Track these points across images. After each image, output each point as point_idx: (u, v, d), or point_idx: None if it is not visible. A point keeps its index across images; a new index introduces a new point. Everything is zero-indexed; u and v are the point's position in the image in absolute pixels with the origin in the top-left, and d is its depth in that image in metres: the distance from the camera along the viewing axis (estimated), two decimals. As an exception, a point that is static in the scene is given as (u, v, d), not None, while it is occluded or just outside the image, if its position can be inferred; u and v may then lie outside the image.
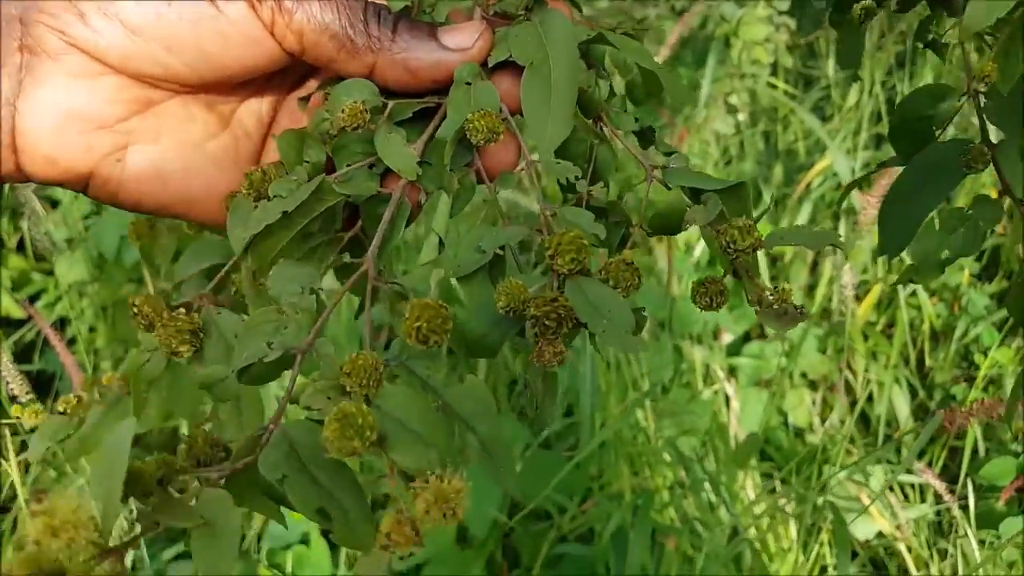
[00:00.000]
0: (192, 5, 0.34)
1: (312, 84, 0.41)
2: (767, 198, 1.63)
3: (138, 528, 0.29)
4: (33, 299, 1.83)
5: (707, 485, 1.18)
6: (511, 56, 0.37)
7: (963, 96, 0.42)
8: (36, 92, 0.33)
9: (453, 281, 0.35)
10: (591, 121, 0.40)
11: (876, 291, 1.57)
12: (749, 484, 1.35)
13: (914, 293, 1.63)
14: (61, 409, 0.52)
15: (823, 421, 1.58)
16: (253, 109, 0.40)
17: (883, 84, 1.94)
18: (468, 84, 0.37)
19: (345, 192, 0.37)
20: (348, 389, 0.30)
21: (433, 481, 0.28)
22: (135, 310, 0.39)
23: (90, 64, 0.34)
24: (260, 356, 0.32)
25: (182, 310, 0.39)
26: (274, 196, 0.36)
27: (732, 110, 1.53)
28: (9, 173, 0.34)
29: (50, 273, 1.83)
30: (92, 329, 1.78)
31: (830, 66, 1.97)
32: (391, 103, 0.37)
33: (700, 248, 1.60)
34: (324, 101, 0.38)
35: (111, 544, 0.27)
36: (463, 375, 0.34)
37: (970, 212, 0.44)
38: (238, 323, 0.40)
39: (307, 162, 0.38)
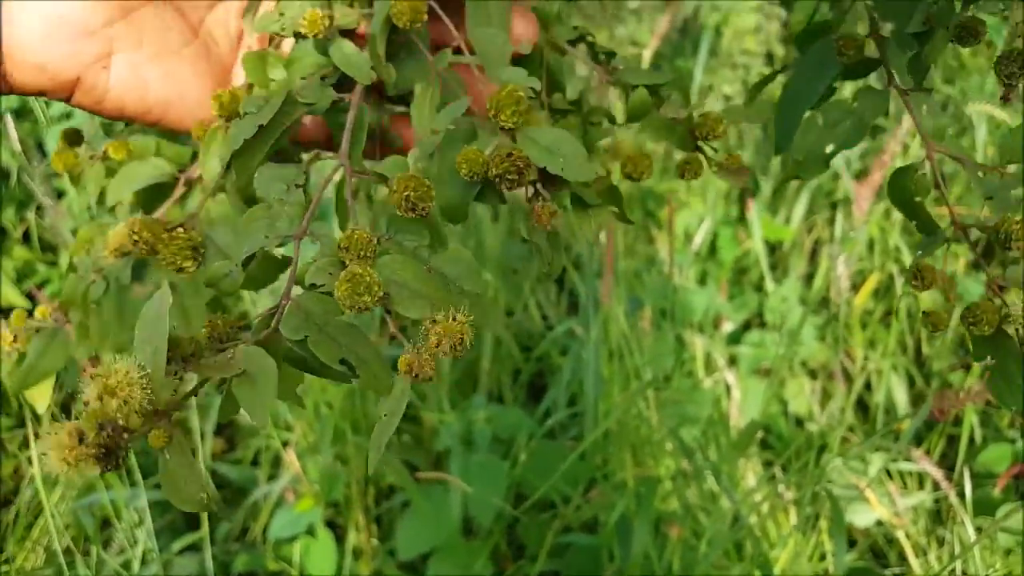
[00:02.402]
0: None
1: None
2: (766, 188, 1.64)
3: (187, 387, 0.31)
4: (40, 287, 1.83)
5: (709, 474, 1.20)
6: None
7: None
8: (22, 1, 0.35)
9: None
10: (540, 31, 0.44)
11: (873, 280, 1.59)
12: (750, 472, 1.37)
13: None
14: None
15: (823, 409, 1.60)
16: (220, 19, 0.43)
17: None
18: None
19: (308, 101, 0.40)
20: (347, 262, 0.33)
21: (440, 319, 0.32)
22: (135, 236, 0.41)
23: None
24: (261, 246, 0.35)
25: (180, 229, 0.41)
26: (246, 113, 0.39)
27: (726, 99, 1.54)
28: (1, 85, 0.36)
29: (54, 264, 1.84)
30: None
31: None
32: (337, 14, 0.40)
33: (700, 238, 1.61)
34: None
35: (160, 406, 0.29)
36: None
37: (855, 104, 0.45)
38: (230, 235, 0.42)
39: (273, 80, 0.41)
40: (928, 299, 0.43)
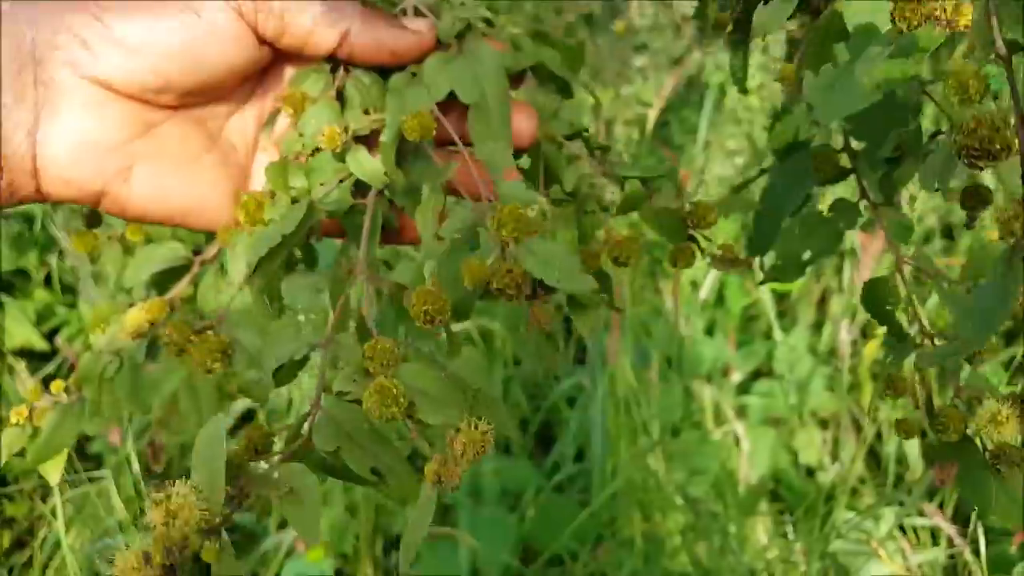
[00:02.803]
0: (176, 14, 0.39)
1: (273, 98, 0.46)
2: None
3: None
4: (55, 331, 1.86)
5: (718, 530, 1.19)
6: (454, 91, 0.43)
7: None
8: (52, 123, 0.38)
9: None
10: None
11: (882, 330, 1.58)
12: (760, 526, 1.36)
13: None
14: (14, 420, 0.53)
15: (834, 460, 1.58)
16: (237, 127, 0.45)
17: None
18: (401, 91, 0.43)
19: (328, 208, 0.42)
20: (371, 371, 0.35)
21: (463, 428, 0.33)
22: (166, 339, 0.43)
23: (98, 92, 0.38)
24: (291, 356, 0.38)
25: (209, 332, 0.43)
26: (269, 221, 0.41)
27: (731, 155, 1.56)
28: (30, 195, 0.39)
29: (73, 306, 1.87)
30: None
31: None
32: (351, 124, 0.43)
33: (707, 287, 1.61)
34: (288, 120, 0.44)
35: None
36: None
37: (829, 215, 0.46)
38: (255, 336, 0.44)
39: (294, 188, 0.43)
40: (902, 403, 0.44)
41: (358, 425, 0.35)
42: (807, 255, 0.45)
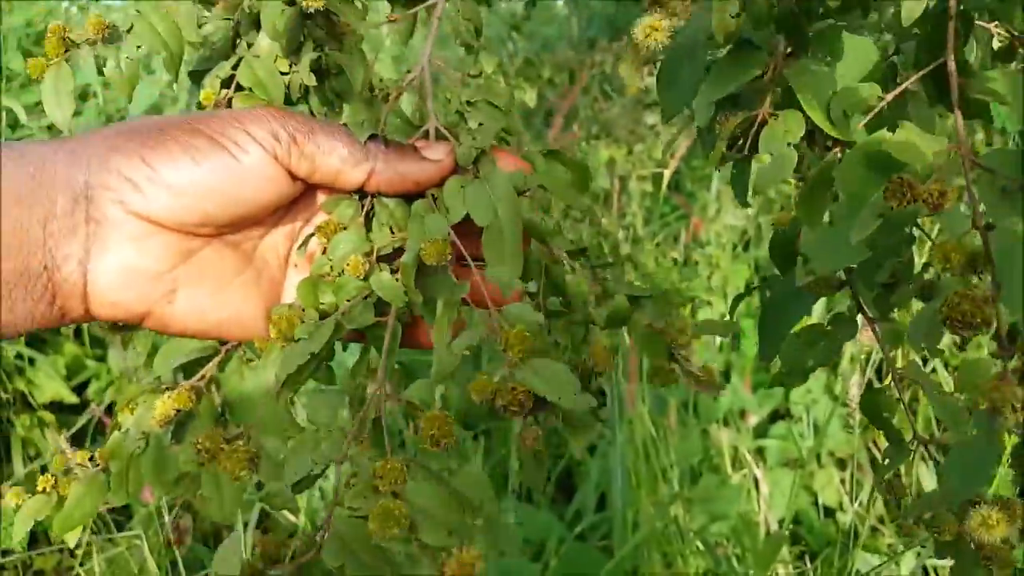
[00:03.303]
0: (217, 159, 0.42)
1: (312, 226, 0.50)
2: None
3: None
4: (85, 384, 1.91)
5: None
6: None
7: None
8: (102, 255, 0.41)
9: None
10: (542, 245, 0.50)
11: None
12: (781, 570, 1.38)
13: (934, 370, 1.65)
14: (40, 488, 0.56)
15: (853, 500, 1.60)
16: (271, 245, 0.48)
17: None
18: (422, 216, 0.47)
19: (352, 326, 0.46)
20: (380, 489, 0.39)
21: (455, 553, 0.37)
22: (197, 446, 0.46)
23: (143, 227, 0.42)
24: (309, 470, 0.41)
25: (239, 442, 0.46)
26: (299, 339, 0.45)
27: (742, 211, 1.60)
28: (79, 316, 0.43)
29: (103, 359, 1.92)
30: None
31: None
32: (377, 243, 0.47)
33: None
34: (318, 243, 0.48)
35: None
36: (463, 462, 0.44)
37: (828, 328, 0.50)
38: (279, 445, 0.48)
39: (322, 304, 0.47)
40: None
41: (364, 543, 0.39)
42: (810, 363, 0.48)
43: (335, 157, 0.44)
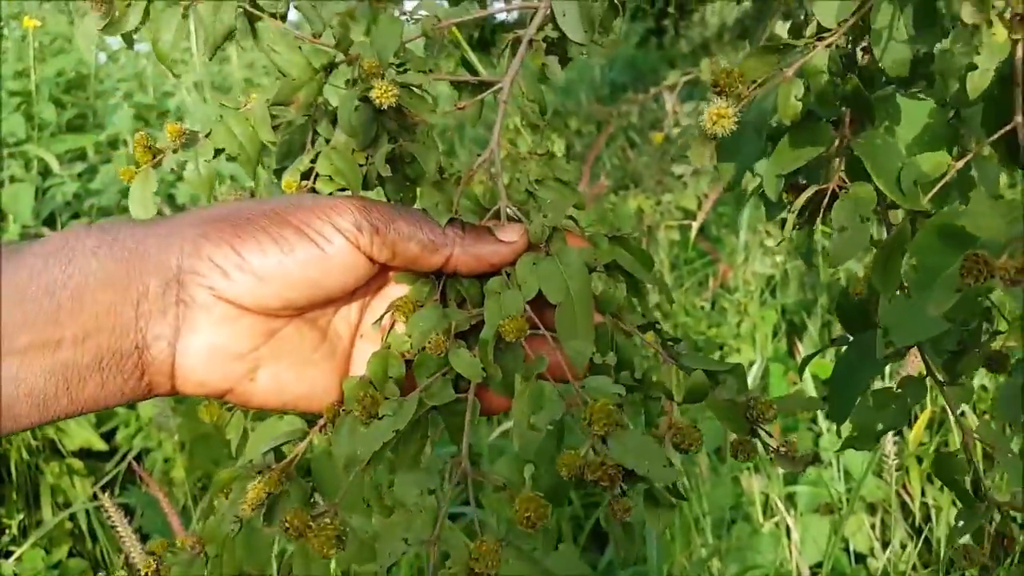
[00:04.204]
0: (303, 250, 0.44)
1: (381, 299, 0.51)
2: (812, 328, 1.68)
3: None
4: (114, 431, 1.92)
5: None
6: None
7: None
8: (190, 336, 0.43)
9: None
10: (610, 317, 0.51)
11: (926, 415, 1.60)
12: (816, 620, 1.36)
13: (963, 413, 1.65)
14: (143, 573, 0.58)
15: (885, 546, 1.59)
16: (343, 316, 0.50)
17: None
18: (498, 293, 0.48)
19: (432, 403, 0.47)
20: (476, 571, 0.39)
21: None
22: (286, 524, 0.47)
23: (230, 310, 0.43)
24: (401, 552, 0.42)
25: (326, 519, 0.47)
26: (383, 416, 0.46)
27: (769, 252, 1.61)
28: (166, 392, 0.44)
29: (132, 406, 1.93)
30: (167, 460, 1.86)
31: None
32: (453, 322, 0.48)
33: (751, 377, 1.64)
34: (393, 321, 0.49)
35: None
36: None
37: (899, 391, 0.51)
38: (365, 522, 0.48)
39: (391, 378, 0.48)
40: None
41: None
42: (880, 427, 0.49)
43: (415, 243, 0.46)
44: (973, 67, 0.36)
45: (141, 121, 2.44)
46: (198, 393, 0.45)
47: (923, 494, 1.62)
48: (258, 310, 0.44)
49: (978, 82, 0.38)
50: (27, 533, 1.70)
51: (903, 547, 1.56)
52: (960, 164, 0.42)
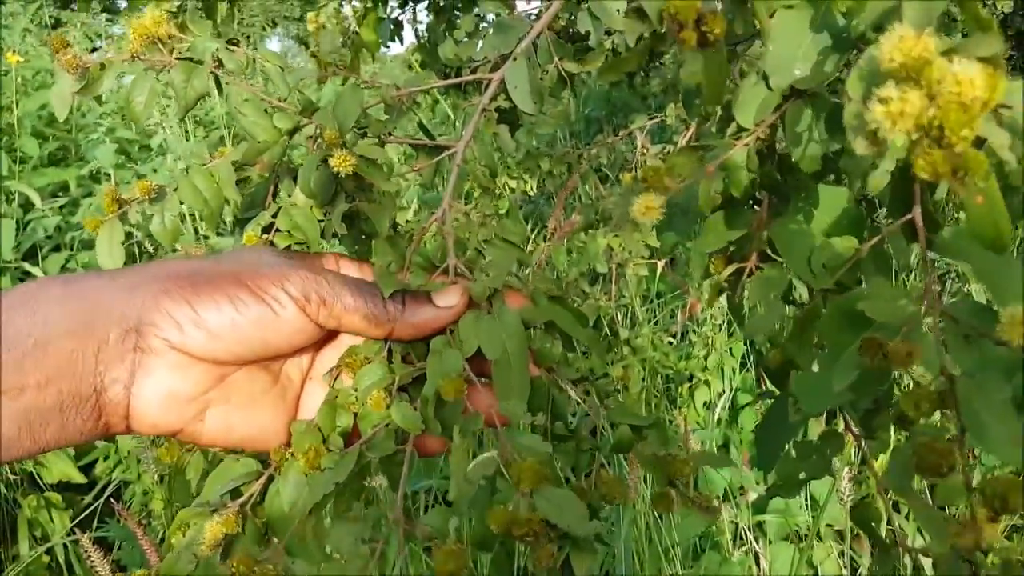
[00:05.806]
0: (257, 311, 0.47)
1: (334, 348, 0.55)
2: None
3: None
4: (93, 464, 1.93)
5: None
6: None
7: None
8: (145, 380, 0.46)
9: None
10: (546, 371, 0.54)
11: (892, 444, 1.65)
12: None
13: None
14: None
15: (853, 572, 1.63)
16: (295, 362, 0.53)
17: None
18: (440, 352, 0.51)
19: (374, 454, 0.51)
20: None
21: None
22: (232, 569, 0.50)
23: (183, 358, 0.47)
24: None
25: (268, 565, 0.49)
26: (325, 468, 0.49)
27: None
28: (122, 431, 0.47)
29: (111, 440, 1.94)
30: (145, 492, 1.87)
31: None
32: (397, 376, 0.52)
33: (719, 409, 1.69)
34: (340, 373, 0.53)
35: None
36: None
37: (819, 443, 0.54)
38: (308, 567, 0.51)
39: (339, 426, 0.52)
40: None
41: None
42: (802, 476, 0.53)
43: (359, 317, 0.50)
44: (875, 166, 0.41)
45: (123, 155, 2.47)
46: (151, 433, 0.48)
47: (889, 522, 1.66)
48: (210, 360, 0.48)
49: (878, 181, 0.43)
50: (3, 567, 1.70)
51: (871, 574, 1.60)
52: (866, 247, 0.46)
